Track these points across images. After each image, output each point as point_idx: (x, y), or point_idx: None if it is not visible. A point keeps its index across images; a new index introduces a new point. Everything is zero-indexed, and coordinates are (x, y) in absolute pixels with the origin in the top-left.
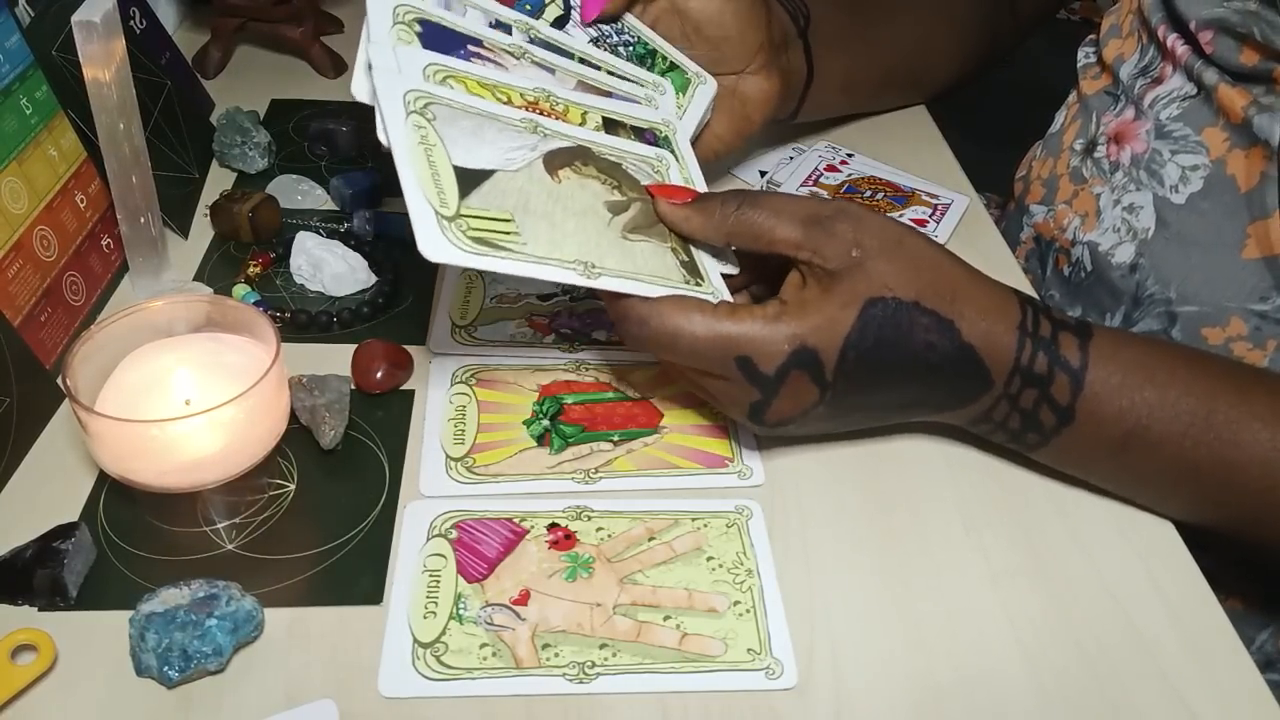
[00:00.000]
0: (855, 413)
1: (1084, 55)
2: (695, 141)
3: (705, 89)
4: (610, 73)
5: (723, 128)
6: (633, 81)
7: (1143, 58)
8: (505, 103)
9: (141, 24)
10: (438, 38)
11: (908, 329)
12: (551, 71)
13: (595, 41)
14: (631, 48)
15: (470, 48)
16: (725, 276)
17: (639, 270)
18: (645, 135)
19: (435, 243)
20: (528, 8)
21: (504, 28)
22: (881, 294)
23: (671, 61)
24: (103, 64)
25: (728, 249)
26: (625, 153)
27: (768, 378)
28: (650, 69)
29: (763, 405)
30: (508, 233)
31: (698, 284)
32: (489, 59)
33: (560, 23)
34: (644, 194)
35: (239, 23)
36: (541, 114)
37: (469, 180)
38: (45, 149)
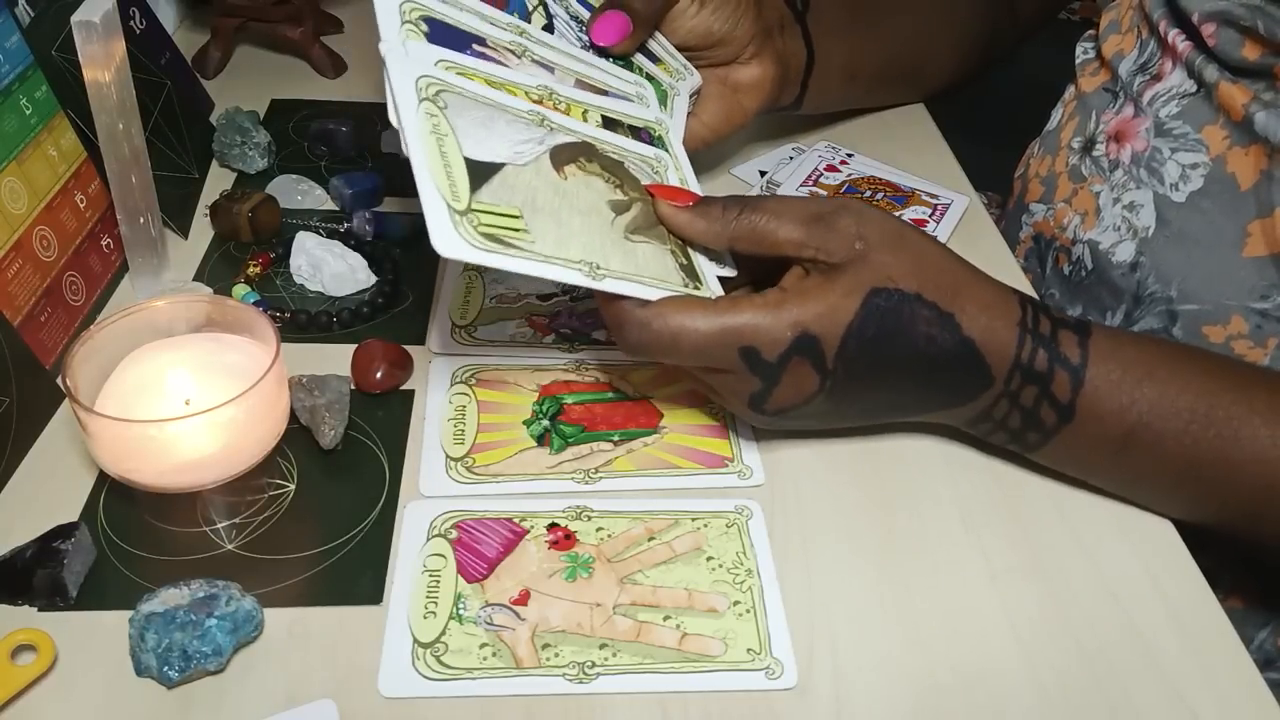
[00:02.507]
0: (855, 407)
1: (1082, 51)
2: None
3: (681, 98)
4: (605, 71)
5: (713, 116)
6: (623, 81)
7: (1142, 53)
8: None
9: (141, 24)
10: (444, 36)
11: (909, 320)
12: (551, 70)
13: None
14: (610, 58)
15: (476, 47)
16: (722, 279)
17: (640, 272)
18: (641, 134)
19: (448, 238)
20: (515, 15)
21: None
22: (885, 284)
23: (647, 73)
24: (102, 64)
25: (726, 252)
26: (627, 151)
27: (770, 365)
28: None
29: (764, 394)
30: (517, 230)
31: (696, 286)
32: (493, 58)
33: (546, 32)
34: (645, 194)
35: (239, 23)
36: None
37: (479, 174)
38: (45, 149)
